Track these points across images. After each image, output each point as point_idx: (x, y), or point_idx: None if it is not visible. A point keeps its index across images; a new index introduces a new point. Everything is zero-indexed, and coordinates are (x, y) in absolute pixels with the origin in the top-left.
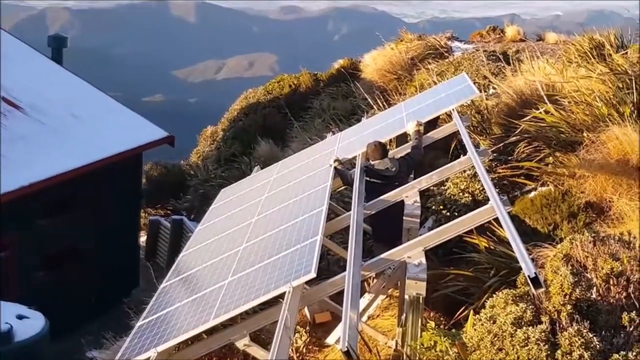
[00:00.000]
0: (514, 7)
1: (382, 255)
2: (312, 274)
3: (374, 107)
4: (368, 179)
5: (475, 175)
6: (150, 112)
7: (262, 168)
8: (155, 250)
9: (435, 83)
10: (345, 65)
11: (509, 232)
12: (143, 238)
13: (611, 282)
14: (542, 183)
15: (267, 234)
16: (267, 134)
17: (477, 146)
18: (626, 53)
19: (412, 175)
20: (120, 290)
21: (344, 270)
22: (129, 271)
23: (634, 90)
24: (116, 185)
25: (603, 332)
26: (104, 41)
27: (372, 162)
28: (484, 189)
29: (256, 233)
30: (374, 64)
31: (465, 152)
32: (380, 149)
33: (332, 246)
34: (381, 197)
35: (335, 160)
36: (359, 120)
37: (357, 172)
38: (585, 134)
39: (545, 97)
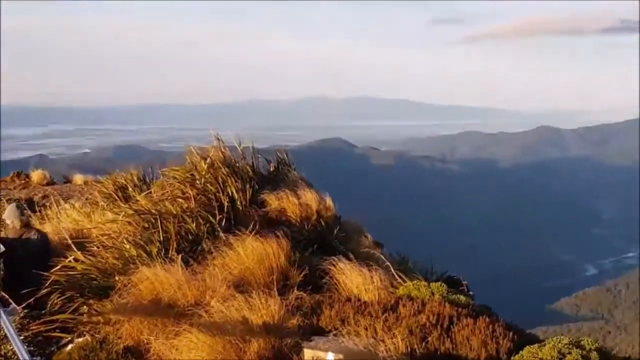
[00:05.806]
0: (41, 148)
1: None
2: None
3: None
4: None
5: (6, 336)
6: None
7: None
8: None
9: None
10: None
11: None
12: None
13: None
14: (79, 334)
15: None
16: None
17: (6, 304)
18: (150, 192)
19: None
20: None
21: None
22: None
23: (160, 229)
24: None
25: None
26: None
27: None
28: None
29: None
30: None
31: None
32: None
33: None
34: None
35: None
36: None
37: None
38: (117, 278)
39: (72, 245)
